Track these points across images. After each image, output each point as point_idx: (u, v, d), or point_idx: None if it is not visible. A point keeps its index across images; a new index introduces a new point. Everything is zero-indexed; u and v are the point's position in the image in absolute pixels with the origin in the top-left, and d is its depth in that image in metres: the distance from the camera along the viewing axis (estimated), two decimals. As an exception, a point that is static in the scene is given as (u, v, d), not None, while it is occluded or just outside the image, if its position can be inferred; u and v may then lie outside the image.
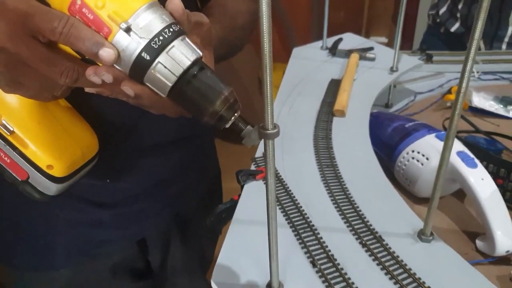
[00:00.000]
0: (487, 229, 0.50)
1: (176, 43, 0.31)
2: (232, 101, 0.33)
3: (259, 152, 0.59)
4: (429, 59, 1.05)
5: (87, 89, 0.35)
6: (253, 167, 0.57)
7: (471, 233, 0.55)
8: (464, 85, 0.36)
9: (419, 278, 0.41)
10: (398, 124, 0.66)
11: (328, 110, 0.70)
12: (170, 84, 0.31)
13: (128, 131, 0.55)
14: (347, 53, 0.89)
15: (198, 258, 0.73)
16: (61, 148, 0.44)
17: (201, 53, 0.32)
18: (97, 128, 0.49)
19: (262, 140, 0.30)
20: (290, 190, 0.52)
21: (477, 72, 1.00)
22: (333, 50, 0.91)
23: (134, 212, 0.61)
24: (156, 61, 0.31)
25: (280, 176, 0.55)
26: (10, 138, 0.41)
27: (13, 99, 0.40)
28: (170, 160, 0.63)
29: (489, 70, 1.01)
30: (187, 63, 0.31)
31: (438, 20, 1.31)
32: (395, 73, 0.82)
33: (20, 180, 0.43)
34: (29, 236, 0.59)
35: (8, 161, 0.42)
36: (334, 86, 0.77)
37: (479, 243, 0.52)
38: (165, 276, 0.73)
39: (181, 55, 0.31)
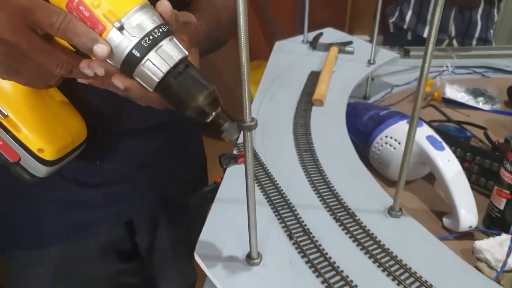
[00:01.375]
0: (452, 206, 0.54)
1: (164, 42, 0.34)
2: (214, 98, 0.36)
3: (241, 138, 0.62)
4: (406, 54, 1.10)
5: (79, 80, 0.38)
6: (235, 152, 0.60)
7: (439, 213, 0.59)
8: (426, 65, 0.39)
9: (388, 249, 0.44)
10: (373, 113, 0.70)
11: (307, 100, 0.73)
12: (157, 80, 0.34)
13: (114, 116, 0.57)
14: (327, 47, 0.92)
15: (184, 243, 0.75)
16: (52, 133, 0.46)
17: (187, 53, 0.35)
18: (85, 113, 0.51)
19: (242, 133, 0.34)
20: (269, 172, 0.55)
21: (451, 66, 1.05)
22: (313, 44, 0.94)
23: (120, 193, 0.63)
24: (146, 58, 0.33)
25: (261, 159, 0.58)
26: (3, 122, 0.43)
27: (8, 86, 0.43)
28: (155, 144, 0.65)
29: (462, 64, 1.07)
30: (174, 61, 0.34)
31: (405, 27, 1.34)
32: (372, 65, 0.86)
33: (11, 161, 0.45)
34: (18, 215, 0.60)
35: (1, 143, 0.45)
36: (313, 78, 0.80)
37: (445, 220, 0.56)
38: (152, 258, 0.75)
39: (168, 53, 0.34)
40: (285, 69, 0.85)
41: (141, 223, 0.69)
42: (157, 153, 0.66)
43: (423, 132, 0.60)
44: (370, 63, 0.87)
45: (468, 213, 0.53)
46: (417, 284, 0.40)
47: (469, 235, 0.55)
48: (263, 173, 0.55)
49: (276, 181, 0.54)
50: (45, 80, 0.38)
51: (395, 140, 0.62)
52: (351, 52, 0.92)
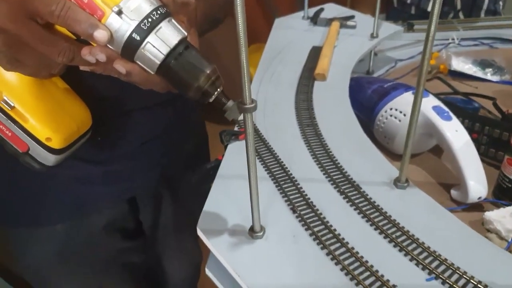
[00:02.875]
0: (461, 177, 0.53)
1: (163, 24, 0.34)
2: (215, 78, 0.35)
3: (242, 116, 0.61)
4: (410, 28, 1.07)
5: (81, 67, 0.37)
6: (236, 128, 0.59)
7: (447, 185, 0.57)
8: (432, 29, 0.38)
9: (394, 220, 0.43)
10: (377, 86, 0.68)
11: (309, 75, 0.72)
12: (158, 62, 0.34)
13: (116, 97, 0.57)
14: (328, 22, 0.90)
15: (188, 219, 0.74)
16: (58, 122, 0.47)
17: (186, 33, 0.35)
18: (88, 94, 0.51)
19: None
20: (271, 147, 0.54)
21: (457, 38, 1.02)
22: (314, 19, 0.92)
23: (123, 169, 0.63)
24: (146, 41, 0.33)
25: (262, 135, 0.57)
26: (11, 113, 0.44)
27: (12, 77, 0.43)
28: (157, 120, 0.65)
29: (469, 36, 1.04)
30: (174, 42, 0.34)
31: (408, 1, 1.30)
32: (375, 39, 0.84)
33: (21, 151, 0.46)
34: (22, 192, 0.60)
35: (10, 134, 0.45)
36: (315, 53, 0.78)
37: (453, 192, 0.55)
38: (156, 236, 0.75)
39: (168, 35, 0.34)
40: (286, 45, 0.83)
41: (144, 200, 0.69)
42: (158, 130, 0.66)
43: (429, 102, 0.58)
44: (373, 36, 0.84)
45: (477, 184, 0.52)
46: (425, 254, 0.39)
47: (478, 207, 0.53)
48: (264, 148, 0.54)
49: (278, 156, 0.53)
50: (48, 69, 0.39)
51: (400, 112, 0.60)
52: (353, 27, 0.89)
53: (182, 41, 0.35)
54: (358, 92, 0.70)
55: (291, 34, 0.88)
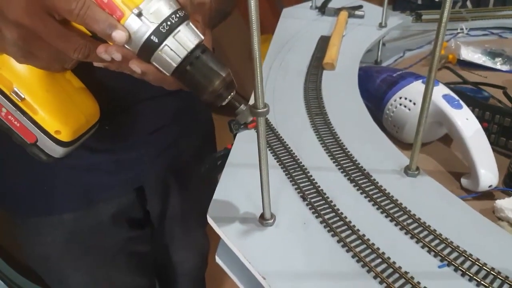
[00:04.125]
0: (471, 165, 0.52)
1: (181, 27, 0.34)
2: (229, 82, 0.36)
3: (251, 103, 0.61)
4: (418, 18, 1.06)
5: (95, 64, 0.38)
6: (244, 117, 0.58)
7: (457, 174, 0.57)
8: (445, 15, 0.37)
9: (405, 207, 0.43)
10: (386, 75, 0.67)
11: (318, 64, 0.71)
12: (175, 65, 0.34)
13: (127, 87, 0.57)
14: (336, 11, 0.89)
15: (196, 210, 0.75)
16: (67, 115, 0.47)
17: (203, 37, 0.35)
18: (98, 84, 0.50)
19: None
20: (280, 136, 0.54)
21: (466, 28, 1.01)
22: (322, 9, 0.91)
23: (131, 158, 0.63)
24: (164, 43, 0.33)
25: (271, 124, 0.56)
26: (21, 104, 0.44)
27: (23, 69, 0.43)
28: (166, 110, 0.65)
29: (478, 26, 1.02)
30: (191, 46, 0.34)
31: None
32: (383, 28, 0.83)
33: (28, 142, 0.46)
34: (30, 181, 0.61)
35: (18, 125, 0.45)
36: (323, 42, 0.78)
37: (463, 180, 0.54)
38: (163, 226, 0.75)
39: (186, 39, 0.34)
40: (294, 35, 0.82)
41: (152, 190, 0.69)
42: (167, 118, 0.66)
43: (440, 90, 0.57)
44: (381, 26, 0.84)
45: (488, 172, 0.51)
46: (436, 241, 0.39)
47: (489, 195, 0.53)
48: (274, 137, 0.54)
49: (287, 144, 0.52)
50: (62, 63, 0.39)
51: (410, 101, 0.60)
52: (362, 16, 0.88)
53: (199, 44, 0.35)
54: (367, 81, 0.70)
55: (299, 23, 0.87)
